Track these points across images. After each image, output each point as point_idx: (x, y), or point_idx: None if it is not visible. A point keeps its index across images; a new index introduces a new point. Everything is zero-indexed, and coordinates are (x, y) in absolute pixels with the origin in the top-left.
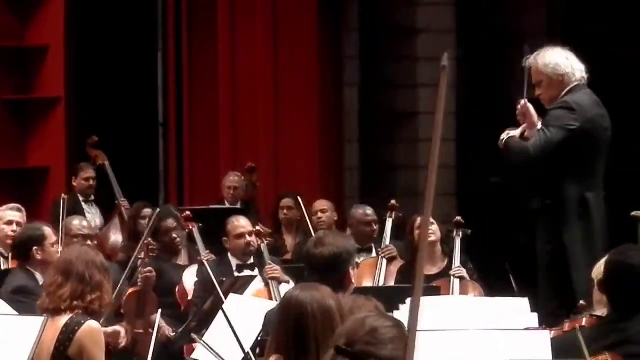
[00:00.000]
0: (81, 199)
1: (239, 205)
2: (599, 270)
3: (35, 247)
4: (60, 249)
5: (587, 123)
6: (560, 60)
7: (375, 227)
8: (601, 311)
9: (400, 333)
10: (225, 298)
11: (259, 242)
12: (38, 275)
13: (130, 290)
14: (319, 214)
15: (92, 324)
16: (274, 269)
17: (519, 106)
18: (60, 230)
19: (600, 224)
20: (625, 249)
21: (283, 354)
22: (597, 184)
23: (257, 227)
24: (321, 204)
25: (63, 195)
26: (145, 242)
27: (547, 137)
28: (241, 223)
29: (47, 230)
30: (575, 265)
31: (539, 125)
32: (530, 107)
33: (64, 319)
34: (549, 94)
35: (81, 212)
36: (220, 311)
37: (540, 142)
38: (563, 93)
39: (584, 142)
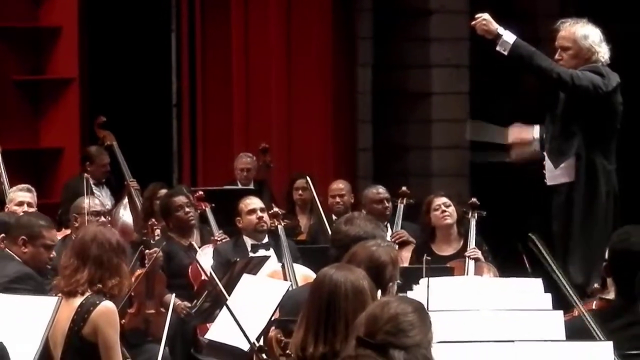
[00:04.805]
0: (92, 181)
1: (252, 186)
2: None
3: None
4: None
5: (613, 93)
6: (597, 39)
7: (387, 205)
8: (613, 294)
9: (421, 317)
10: (239, 278)
11: (277, 224)
12: None
13: (137, 272)
14: (337, 198)
15: (107, 304)
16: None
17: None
18: (87, 212)
19: (617, 198)
20: (628, 232)
21: (312, 330)
22: (613, 158)
23: (274, 209)
24: (338, 187)
25: (86, 175)
26: (150, 222)
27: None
28: (252, 200)
29: None
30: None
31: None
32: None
33: (79, 299)
34: (570, 64)
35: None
36: (230, 298)
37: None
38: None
39: (609, 114)
